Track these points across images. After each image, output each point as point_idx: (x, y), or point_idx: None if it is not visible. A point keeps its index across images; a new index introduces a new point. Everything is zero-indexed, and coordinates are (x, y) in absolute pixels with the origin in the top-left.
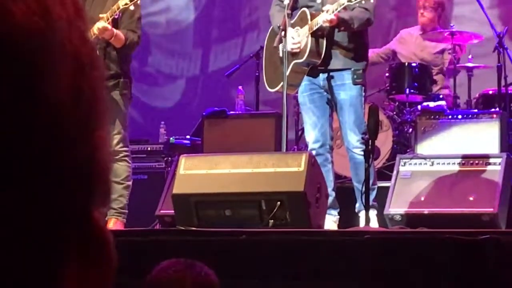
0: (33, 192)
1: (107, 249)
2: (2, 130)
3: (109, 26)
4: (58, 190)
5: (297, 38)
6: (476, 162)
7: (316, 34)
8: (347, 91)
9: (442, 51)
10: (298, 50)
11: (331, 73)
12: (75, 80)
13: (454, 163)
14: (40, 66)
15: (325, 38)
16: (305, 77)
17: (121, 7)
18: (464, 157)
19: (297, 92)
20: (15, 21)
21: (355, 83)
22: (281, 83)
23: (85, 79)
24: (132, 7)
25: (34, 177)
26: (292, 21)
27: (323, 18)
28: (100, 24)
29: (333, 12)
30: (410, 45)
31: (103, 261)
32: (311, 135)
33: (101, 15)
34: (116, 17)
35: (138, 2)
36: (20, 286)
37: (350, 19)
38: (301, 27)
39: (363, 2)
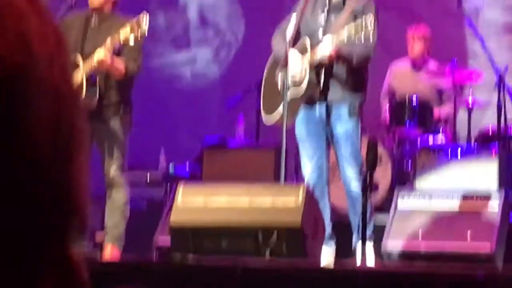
0: (6, 224)
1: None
2: None
3: (108, 59)
4: (32, 222)
5: (299, 64)
6: (475, 198)
7: (315, 67)
8: (344, 124)
9: (439, 92)
10: (298, 77)
11: (328, 105)
12: (54, 114)
13: (452, 199)
14: (19, 100)
15: (324, 71)
16: (302, 109)
17: (122, 38)
18: (463, 193)
19: (292, 125)
20: None
21: (351, 116)
22: (277, 112)
23: (64, 113)
24: (132, 40)
25: (9, 207)
26: (293, 53)
27: (323, 52)
28: (99, 56)
29: (333, 45)
30: (403, 81)
31: None
32: (308, 168)
33: (99, 49)
34: (117, 49)
35: (139, 37)
36: None
37: (349, 54)
38: (301, 58)
39: (362, 35)
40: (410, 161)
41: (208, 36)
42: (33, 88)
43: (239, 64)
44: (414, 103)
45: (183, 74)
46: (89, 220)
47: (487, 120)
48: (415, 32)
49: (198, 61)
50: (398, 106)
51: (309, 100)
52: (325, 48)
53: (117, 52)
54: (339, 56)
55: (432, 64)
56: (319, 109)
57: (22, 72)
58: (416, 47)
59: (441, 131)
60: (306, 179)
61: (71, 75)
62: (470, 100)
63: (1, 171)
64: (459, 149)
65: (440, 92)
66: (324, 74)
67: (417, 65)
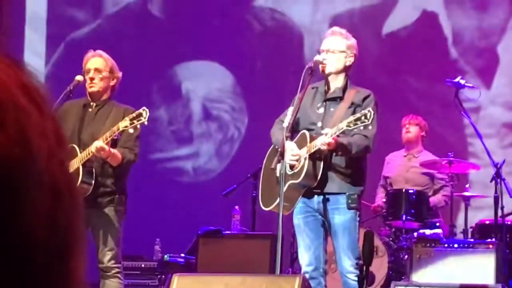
0: None
1: None
2: None
3: (107, 147)
4: None
5: (297, 151)
6: None
7: (314, 157)
8: (342, 215)
9: (431, 175)
10: (296, 163)
11: (326, 196)
12: (51, 211)
13: None
14: (16, 196)
15: (322, 161)
16: (301, 199)
17: (121, 128)
18: (460, 286)
19: (291, 213)
20: None
21: (349, 208)
22: (275, 202)
23: (62, 209)
24: (131, 130)
25: None
26: (292, 142)
27: (322, 141)
28: (98, 144)
29: (331, 135)
30: (396, 167)
31: None
32: (305, 258)
33: (98, 136)
34: (115, 138)
35: (138, 126)
36: None
37: (348, 145)
38: (300, 148)
39: (361, 128)
40: (406, 253)
41: (211, 130)
42: (31, 184)
43: (242, 158)
44: (411, 197)
45: (185, 168)
46: None
47: (484, 216)
48: (410, 119)
49: (201, 156)
50: (395, 199)
51: (307, 190)
52: (325, 137)
53: (115, 140)
54: (337, 145)
55: (427, 155)
56: (317, 200)
57: (20, 168)
58: (410, 131)
59: (438, 225)
60: (303, 270)
61: (69, 172)
62: (467, 193)
63: None
64: (456, 242)
65: (432, 180)
66: (323, 165)
67: (410, 152)
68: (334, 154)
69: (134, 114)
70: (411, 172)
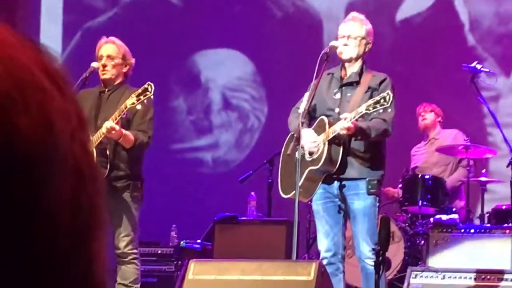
0: None
1: None
2: None
3: (117, 126)
4: None
5: (316, 138)
6: (488, 277)
7: (333, 142)
8: (361, 200)
9: (452, 163)
10: (315, 150)
11: (345, 182)
12: (74, 193)
13: (465, 278)
14: (40, 179)
15: (341, 147)
16: (320, 185)
17: (128, 106)
18: (476, 271)
19: (310, 201)
20: (18, 134)
21: (369, 193)
22: (293, 193)
23: (84, 191)
24: (139, 107)
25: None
26: (310, 128)
27: (341, 126)
28: (108, 124)
29: (350, 120)
30: (420, 155)
31: None
32: (324, 244)
33: (107, 122)
34: (124, 116)
35: (147, 101)
36: None
37: (367, 129)
38: (318, 135)
39: (381, 111)
40: (423, 238)
41: (231, 119)
42: (55, 166)
43: (262, 148)
44: (428, 183)
45: (205, 159)
46: None
47: (500, 201)
48: (424, 107)
49: (220, 146)
50: (411, 185)
51: (327, 176)
52: (344, 122)
53: (127, 123)
54: (357, 130)
55: (445, 133)
56: (337, 186)
57: (44, 150)
58: (426, 118)
59: (454, 210)
60: (321, 256)
61: (91, 154)
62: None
63: (20, 253)
64: (472, 227)
65: (453, 164)
66: (342, 151)
67: (430, 137)
68: (353, 139)
69: (139, 90)
70: (435, 155)
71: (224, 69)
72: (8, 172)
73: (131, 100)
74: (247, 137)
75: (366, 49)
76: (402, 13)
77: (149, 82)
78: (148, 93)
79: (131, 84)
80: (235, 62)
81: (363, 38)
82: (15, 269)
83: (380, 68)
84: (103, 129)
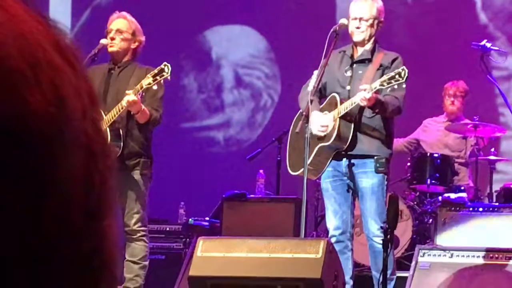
0: (40, 282)
1: None
2: (9, 221)
3: (139, 100)
4: (65, 280)
5: (325, 121)
6: (496, 256)
7: (344, 119)
8: (370, 179)
9: (464, 137)
10: (323, 134)
11: (354, 160)
12: (86, 171)
13: (473, 256)
14: (53, 156)
15: (352, 123)
16: (330, 163)
17: (144, 86)
18: (484, 250)
19: (319, 178)
20: (30, 111)
21: (377, 172)
22: (301, 170)
23: (96, 170)
24: (155, 87)
25: (40, 268)
26: (321, 106)
27: (361, 96)
28: (130, 97)
29: (370, 91)
30: (433, 132)
31: None
32: (332, 222)
33: (127, 91)
34: (139, 96)
35: (162, 82)
36: None
37: (385, 102)
38: (329, 112)
39: (395, 87)
40: (431, 217)
41: (243, 98)
42: (67, 143)
43: (275, 127)
44: (436, 161)
45: (216, 138)
46: (119, 275)
47: (509, 180)
48: (456, 90)
49: (232, 125)
50: (420, 163)
51: (337, 155)
52: (365, 93)
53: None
54: (376, 101)
55: (463, 121)
56: (345, 164)
57: (57, 128)
58: (455, 104)
59: (462, 189)
60: (330, 233)
61: (102, 132)
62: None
63: (32, 232)
64: (480, 206)
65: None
66: (353, 128)
67: (451, 121)
68: (370, 112)
69: (156, 71)
70: (450, 137)
71: (236, 46)
72: (21, 147)
73: (147, 80)
74: (260, 116)
75: (378, 28)
76: None
77: (166, 63)
78: (164, 73)
79: (141, 61)
80: (248, 38)
81: (375, 18)
82: (29, 246)
83: (394, 47)
84: (124, 102)
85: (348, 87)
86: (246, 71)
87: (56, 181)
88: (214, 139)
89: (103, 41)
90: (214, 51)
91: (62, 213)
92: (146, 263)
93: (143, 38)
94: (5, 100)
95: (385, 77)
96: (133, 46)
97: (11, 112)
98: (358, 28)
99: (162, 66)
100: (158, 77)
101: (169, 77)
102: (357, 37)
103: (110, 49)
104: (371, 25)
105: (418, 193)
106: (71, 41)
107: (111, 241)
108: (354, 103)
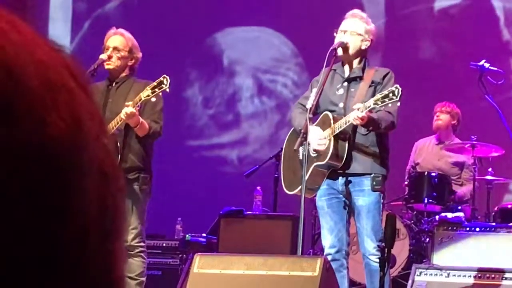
0: None
1: None
2: (29, 244)
3: (137, 112)
4: None
5: (323, 137)
6: (493, 276)
7: (338, 137)
8: (366, 197)
9: (461, 165)
10: (323, 148)
11: (350, 178)
12: (101, 193)
13: (470, 276)
14: (71, 179)
15: (347, 141)
16: (325, 181)
17: (143, 98)
18: (481, 270)
19: (315, 196)
20: (50, 134)
21: (374, 190)
22: (300, 186)
23: (109, 192)
24: (153, 99)
25: None
26: (314, 124)
27: (354, 116)
28: (128, 110)
29: (362, 111)
30: (426, 154)
31: None
32: (328, 240)
33: (127, 103)
34: (138, 108)
35: (160, 94)
36: None
37: (378, 119)
38: (323, 130)
39: (389, 105)
40: (428, 236)
41: (266, 108)
42: (84, 166)
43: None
44: (433, 180)
45: (229, 157)
46: None
47: (506, 200)
48: (442, 107)
49: (250, 142)
50: (417, 182)
51: (331, 172)
52: (358, 112)
53: (139, 112)
54: (369, 120)
55: (456, 141)
56: (341, 182)
57: (75, 150)
58: (441, 119)
59: (460, 208)
60: (325, 252)
61: (112, 154)
62: (489, 177)
63: (52, 255)
64: (477, 226)
65: (461, 168)
66: (348, 146)
67: (441, 141)
68: (364, 130)
69: (155, 83)
70: (442, 161)
71: (254, 49)
72: (42, 172)
73: (146, 92)
74: (284, 133)
75: (363, 47)
76: (440, 2)
77: (165, 75)
78: (163, 85)
79: (140, 71)
80: (268, 41)
81: (359, 34)
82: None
83: (420, 62)
84: (122, 115)
85: (341, 105)
86: (268, 77)
87: (75, 203)
88: (226, 158)
89: (102, 56)
90: (226, 56)
91: (80, 236)
92: (144, 279)
93: (139, 55)
94: (25, 122)
95: (378, 96)
96: (130, 63)
97: (30, 134)
98: (346, 42)
99: (161, 78)
100: (157, 89)
101: (168, 89)
102: (343, 50)
103: (107, 67)
104: (355, 40)
105: (415, 212)
106: (81, 67)
107: (122, 262)
108: (348, 121)
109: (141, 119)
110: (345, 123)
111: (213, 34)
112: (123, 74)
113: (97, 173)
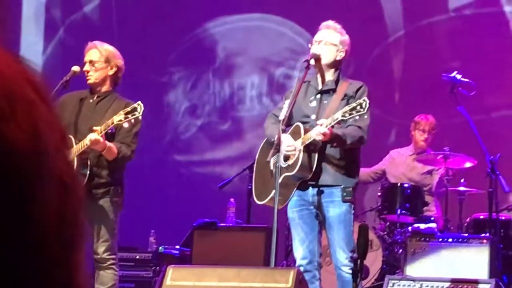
0: None
1: None
2: None
3: (101, 139)
4: None
5: (293, 142)
6: (465, 286)
7: (308, 149)
8: (336, 208)
9: (430, 172)
10: (292, 154)
11: (321, 189)
12: (60, 204)
13: (442, 287)
14: (30, 190)
15: (317, 153)
16: (295, 192)
17: (115, 123)
18: (453, 281)
19: (286, 206)
20: (7, 143)
21: (344, 201)
22: (270, 196)
23: (68, 202)
24: (126, 125)
25: None
26: (285, 134)
27: (317, 132)
28: (92, 136)
29: (327, 126)
30: (399, 165)
31: None
32: (299, 251)
33: (94, 128)
34: (110, 131)
35: (132, 121)
36: None
37: (343, 135)
38: (294, 140)
39: (356, 118)
40: (401, 247)
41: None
42: (44, 176)
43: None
44: (406, 191)
45: (227, 174)
46: None
47: (478, 211)
48: (430, 127)
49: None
50: (390, 193)
51: (302, 183)
52: (320, 128)
53: (112, 134)
54: (332, 136)
55: (429, 152)
56: (312, 193)
57: (33, 161)
58: (427, 138)
59: (432, 219)
60: (297, 263)
61: (72, 165)
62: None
63: (9, 264)
64: (450, 237)
65: (429, 173)
66: (318, 157)
67: (417, 153)
68: (329, 145)
69: (128, 109)
70: (414, 172)
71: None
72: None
73: (118, 117)
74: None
75: (338, 57)
76: (453, 2)
77: (139, 102)
78: (136, 113)
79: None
80: (275, 31)
81: (334, 45)
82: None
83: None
84: (87, 141)
85: (313, 116)
86: (281, 71)
87: (33, 213)
88: (222, 175)
89: (74, 68)
90: (220, 47)
91: (40, 246)
92: None
93: (120, 62)
94: None
95: (346, 108)
96: (110, 72)
97: None
98: (319, 52)
99: (136, 105)
100: (129, 116)
101: (140, 117)
102: (317, 60)
103: (88, 82)
104: (330, 51)
105: (388, 223)
106: (42, 78)
107: (82, 272)
108: (311, 138)
109: (108, 144)
110: (309, 139)
111: (205, 23)
112: (105, 88)
113: (57, 183)
